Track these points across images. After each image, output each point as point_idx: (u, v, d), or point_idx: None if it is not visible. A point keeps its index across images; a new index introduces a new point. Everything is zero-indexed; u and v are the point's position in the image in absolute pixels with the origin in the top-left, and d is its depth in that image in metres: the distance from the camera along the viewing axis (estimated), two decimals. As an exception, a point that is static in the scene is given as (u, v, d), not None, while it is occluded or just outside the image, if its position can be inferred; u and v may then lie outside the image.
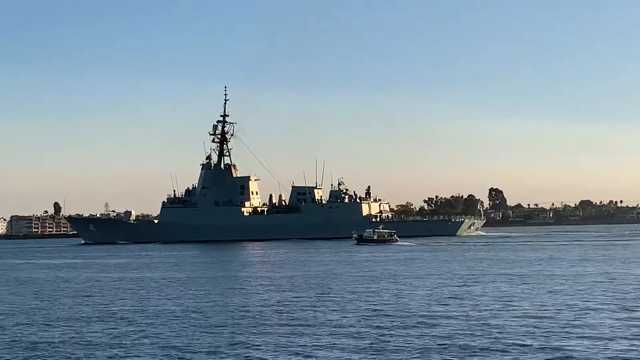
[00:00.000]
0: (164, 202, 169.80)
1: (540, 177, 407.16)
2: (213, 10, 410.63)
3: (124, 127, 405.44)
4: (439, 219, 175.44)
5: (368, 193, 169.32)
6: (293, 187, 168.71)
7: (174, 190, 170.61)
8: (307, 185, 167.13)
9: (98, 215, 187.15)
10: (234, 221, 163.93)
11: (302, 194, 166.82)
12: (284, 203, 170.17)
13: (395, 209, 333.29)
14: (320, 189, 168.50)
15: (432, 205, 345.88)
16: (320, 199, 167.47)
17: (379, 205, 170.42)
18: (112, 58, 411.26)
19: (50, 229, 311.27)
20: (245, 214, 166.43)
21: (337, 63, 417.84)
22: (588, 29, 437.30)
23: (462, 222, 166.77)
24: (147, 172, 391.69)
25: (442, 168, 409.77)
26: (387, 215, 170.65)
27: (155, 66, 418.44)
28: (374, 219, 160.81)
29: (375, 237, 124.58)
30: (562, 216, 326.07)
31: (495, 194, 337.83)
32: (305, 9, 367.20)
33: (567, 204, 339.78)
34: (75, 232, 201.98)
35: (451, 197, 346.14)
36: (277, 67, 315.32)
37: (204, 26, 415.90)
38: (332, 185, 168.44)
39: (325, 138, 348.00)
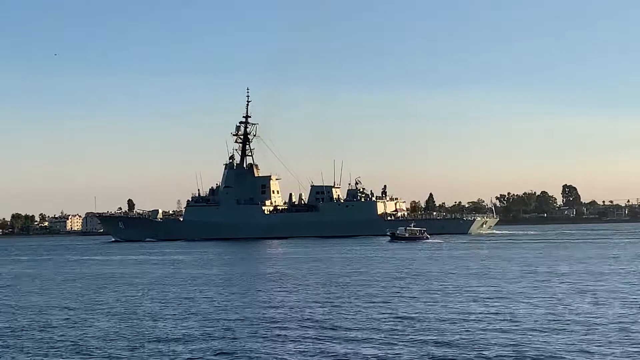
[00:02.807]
0: (188, 200, 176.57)
1: (616, 173, 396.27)
2: (234, 12, 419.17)
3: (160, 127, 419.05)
4: (451, 217, 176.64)
5: (384, 192, 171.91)
6: (312, 186, 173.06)
7: (198, 190, 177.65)
8: (325, 185, 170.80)
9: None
10: (255, 219, 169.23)
11: (320, 193, 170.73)
12: (303, 202, 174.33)
13: (459, 207, 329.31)
14: (338, 188, 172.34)
15: (504, 202, 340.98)
16: (338, 198, 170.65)
17: (395, 204, 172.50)
18: (136, 59, 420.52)
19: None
20: (266, 212, 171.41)
21: (355, 61, 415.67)
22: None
23: (474, 220, 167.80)
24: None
25: (516, 165, 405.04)
26: (403, 214, 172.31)
27: (180, 67, 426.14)
28: (388, 218, 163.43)
29: (407, 235, 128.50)
30: (638, 213, 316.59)
31: (569, 191, 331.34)
32: (323, 8, 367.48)
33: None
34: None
35: (524, 193, 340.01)
36: (297, 67, 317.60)
37: (227, 28, 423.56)
38: (349, 184, 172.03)
39: (345, 137, 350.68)
